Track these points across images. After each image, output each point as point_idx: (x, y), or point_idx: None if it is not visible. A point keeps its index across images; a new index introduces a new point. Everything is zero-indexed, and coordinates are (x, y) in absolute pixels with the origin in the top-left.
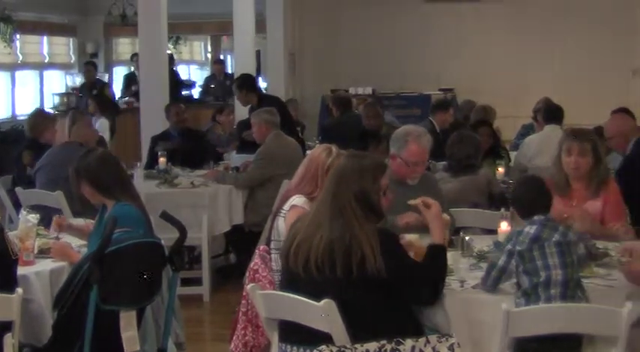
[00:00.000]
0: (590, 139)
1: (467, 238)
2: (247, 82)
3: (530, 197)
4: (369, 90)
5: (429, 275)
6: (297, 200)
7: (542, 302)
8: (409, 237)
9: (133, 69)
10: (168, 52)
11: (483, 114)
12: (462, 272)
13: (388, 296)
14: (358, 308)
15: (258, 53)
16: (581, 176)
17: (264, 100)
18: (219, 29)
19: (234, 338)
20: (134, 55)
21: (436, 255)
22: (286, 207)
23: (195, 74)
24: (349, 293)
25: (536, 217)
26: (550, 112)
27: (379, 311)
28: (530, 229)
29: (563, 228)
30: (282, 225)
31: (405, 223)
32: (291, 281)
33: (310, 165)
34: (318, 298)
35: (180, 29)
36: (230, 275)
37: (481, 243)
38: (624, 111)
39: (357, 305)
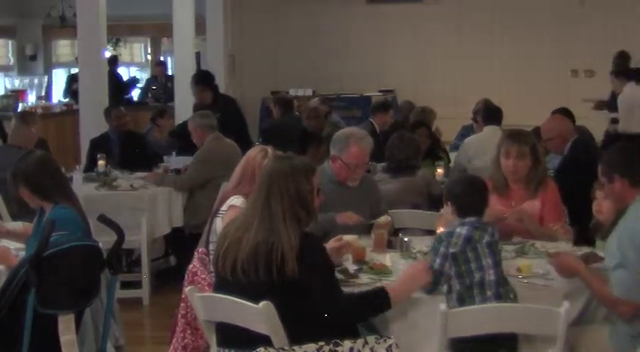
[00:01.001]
0: (528, 142)
1: (406, 239)
2: (205, 79)
3: (467, 198)
4: (309, 92)
5: (345, 298)
6: (236, 200)
7: (477, 304)
8: (347, 238)
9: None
10: (113, 53)
11: (422, 116)
12: (401, 273)
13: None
14: (292, 311)
15: (198, 55)
16: (520, 177)
17: (219, 99)
18: (159, 31)
19: (173, 341)
20: None
21: (374, 297)
22: (224, 207)
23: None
24: (274, 296)
25: (467, 219)
26: (489, 113)
27: (312, 313)
28: (462, 230)
29: (491, 227)
30: (220, 225)
31: (343, 223)
32: (222, 284)
33: (247, 166)
34: (248, 301)
35: (119, 31)
36: (170, 277)
37: (420, 244)
38: (562, 112)
39: (290, 308)
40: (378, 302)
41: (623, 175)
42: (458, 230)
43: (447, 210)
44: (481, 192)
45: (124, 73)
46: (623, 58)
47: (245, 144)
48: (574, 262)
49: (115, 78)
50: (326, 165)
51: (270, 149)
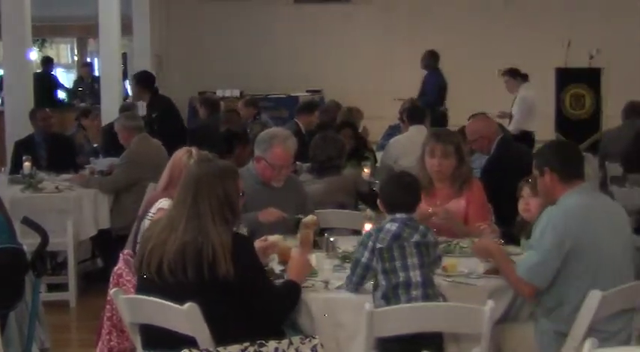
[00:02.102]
0: (452, 141)
1: (331, 239)
2: (146, 80)
3: (397, 194)
4: (236, 92)
5: (276, 294)
6: (164, 203)
7: (402, 303)
8: (272, 238)
9: None
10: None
11: (348, 116)
12: (326, 273)
13: (246, 299)
14: (219, 312)
15: (124, 55)
16: (445, 176)
17: (156, 100)
18: (86, 31)
19: (99, 343)
20: None
21: (290, 289)
22: (153, 210)
23: (61, 77)
24: (204, 296)
25: (398, 215)
26: (413, 113)
27: (240, 313)
28: (392, 226)
29: (424, 228)
30: (147, 227)
31: (266, 220)
32: (146, 286)
33: (174, 168)
34: (174, 302)
35: (45, 32)
36: (97, 279)
37: (346, 244)
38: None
39: (217, 308)
40: (296, 294)
41: (553, 170)
42: (387, 226)
43: (380, 206)
44: (411, 188)
45: None
46: (433, 56)
47: (181, 145)
48: (491, 244)
49: (50, 79)
50: (251, 166)
51: (194, 150)
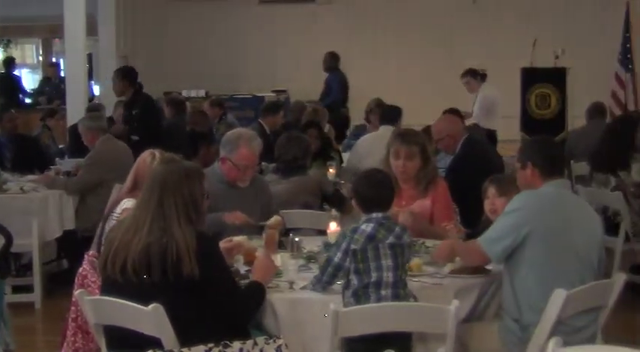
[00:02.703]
0: (417, 142)
1: (296, 239)
2: (130, 75)
3: (370, 192)
4: (202, 93)
5: (241, 295)
6: (129, 203)
7: (372, 302)
8: (238, 239)
9: None
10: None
11: (313, 116)
12: (291, 273)
13: (210, 300)
14: (184, 312)
15: (90, 56)
16: (410, 177)
17: (139, 97)
18: (51, 32)
19: (64, 345)
20: None
21: (255, 290)
22: (118, 210)
23: (27, 78)
24: (168, 296)
25: (374, 215)
26: (387, 113)
27: (204, 314)
28: (367, 227)
29: (400, 229)
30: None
31: (231, 223)
32: (111, 287)
33: (139, 170)
34: (139, 303)
35: (10, 32)
36: (62, 281)
37: (311, 244)
38: (453, 112)
39: (182, 308)
40: (260, 295)
41: (535, 165)
42: (363, 227)
43: (355, 205)
44: (384, 184)
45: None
46: (333, 58)
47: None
48: (444, 241)
49: (11, 80)
50: (216, 166)
51: (157, 152)
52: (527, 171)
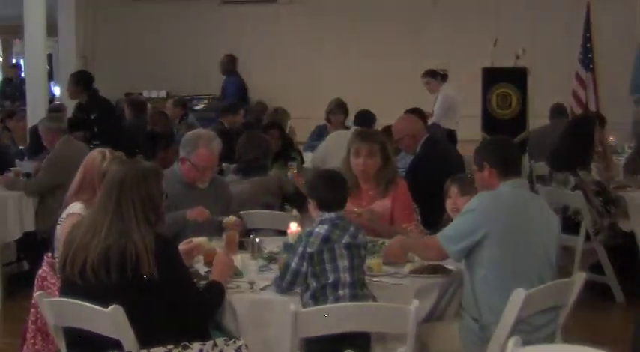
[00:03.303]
0: (377, 141)
1: (257, 240)
2: (85, 80)
3: (326, 192)
4: (163, 93)
5: (200, 295)
6: (74, 207)
7: (330, 302)
8: (197, 240)
9: None
10: None
11: (275, 117)
12: (252, 274)
13: (170, 301)
14: (143, 313)
15: (50, 56)
16: (370, 176)
17: (96, 100)
18: (11, 32)
19: (24, 347)
20: None
21: (213, 289)
22: (64, 215)
23: None
24: (128, 298)
25: (327, 215)
26: (363, 117)
27: (164, 315)
28: (321, 229)
29: (354, 228)
30: (59, 232)
31: (194, 219)
32: (70, 289)
33: (87, 171)
34: (98, 305)
35: None
36: (23, 283)
37: (271, 245)
38: (414, 111)
39: (141, 310)
40: (219, 295)
41: (492, 166)
42: (317, 229)
43: (310, 206)
44: (337, 184)
45: None
46: (231, 61)
47: (120, 147)
48: (394, 239)
49: None
50: (176, 167)
51: (107, 151)
52: (484, 172)
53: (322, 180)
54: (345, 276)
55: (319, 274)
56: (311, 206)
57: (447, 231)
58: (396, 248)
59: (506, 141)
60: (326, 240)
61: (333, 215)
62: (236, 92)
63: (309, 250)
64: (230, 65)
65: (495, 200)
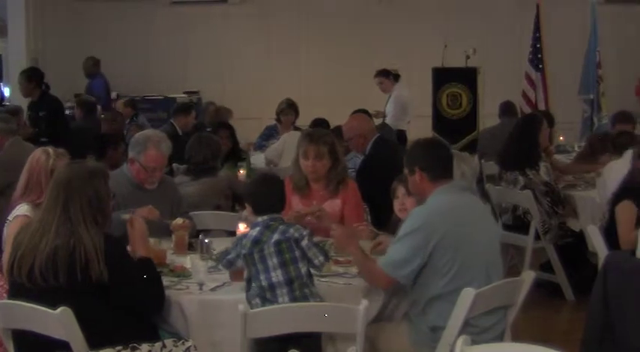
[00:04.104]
0: (326, 142)
1: (206, 241)
2: (37, 76)
3: (261, 196)
4: (113, 94)
5: (151, 285)
6: (21, 208)
7: (273, 304)
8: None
9: None
10: None
11: (216, 116)
12: (201, 275)
13: (119, 302)
14: (92, 315)
15: (0, 58)
16: (319, 177)
17: (46, 98)
18: None
19: None
20: None
21: (147, 267)
22: (10, 217)
23: None
24: (77, 300)
25: (260, 218)
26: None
27: (113, 317)
28: (254, 232)
29: (285, 226)
30: (6, 234)
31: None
32: (18, 291)
33: (32, 171)
34: (47, 307)
35: None
36: None
37: (221, 246)
38: (363, 112)
39: (90, 311)
40: (154, 270)
41: (423, 169)
42: (251, 232)
43: (247, 210)
44: (275, 189)
45: None
46: (94, 64)
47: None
48: (350, 238)
49: None
50: (125, 168)
51: (51, 149)
52: (415, 176)
53: (257, 185)
54: (277, 275)
55: (253, 276)
56: (248, 210)
57: (391, 257)
58: (344, 236)
59: (435, 143)
60: (256, 241)
61: (266, 218)
62: (103, 94)
63: (243, 252)
64: (94, 68)
65: (434, 214)
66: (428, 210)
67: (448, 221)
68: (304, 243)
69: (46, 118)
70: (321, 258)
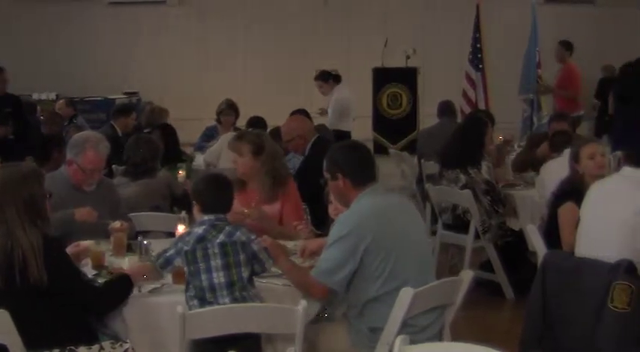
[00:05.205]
0: (246, 140)
1: (145, 242)
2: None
3: (209, 195)
4: (52, 95)
5: (95, 293)
6: None
7: (212, 305)
8: (85, 244)
9: None
10: None
11: (151, 117)
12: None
13: (58, 305)
14: (30, 317)
15: None
16: (251, 177)
17: (7, 95)
18: None
19: None
20: None
21: (119, 281)
22: None
23: None
24: (15, 302)
25: (206, 217)
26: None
27: (50, 319)
28: (199, 229)
29: (232, 228)
30: None
31: (83, 220)
32: None
33: None
34: None
35: None
36: None
37: (160, 247)
38: (302, 112)
39: (28, 313)
40: (126, 286)
41: (345, 175)
42: (195, 229)
43: (195, 209)
44: (223, 188)
45: None
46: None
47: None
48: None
49: None
50: (63, 169)
51: None
52: (338, 182)
53: (206, 184)
54: (219, 276)
55: (194, 274)
56: (195, 208)
57: (323, 266)
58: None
59: (356, 147)
60: (200, 239)
61: (212, 217)
62: None
63: (185, 248)
64: None
65: (361, 217)
66: (355, 215)
67: (376, 224)
68: (255, 246)
69: (12, 115)
70: (271, 261)
